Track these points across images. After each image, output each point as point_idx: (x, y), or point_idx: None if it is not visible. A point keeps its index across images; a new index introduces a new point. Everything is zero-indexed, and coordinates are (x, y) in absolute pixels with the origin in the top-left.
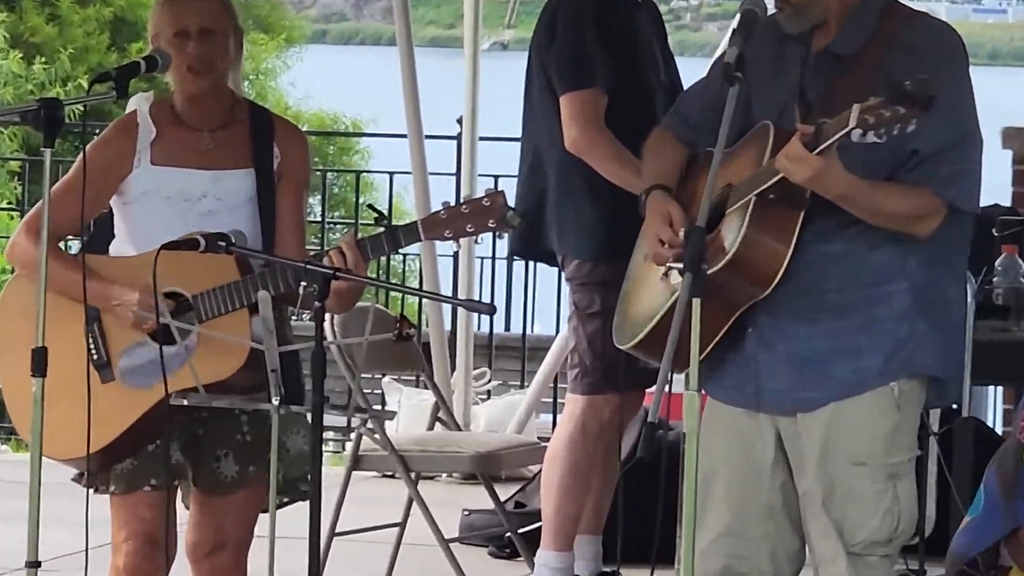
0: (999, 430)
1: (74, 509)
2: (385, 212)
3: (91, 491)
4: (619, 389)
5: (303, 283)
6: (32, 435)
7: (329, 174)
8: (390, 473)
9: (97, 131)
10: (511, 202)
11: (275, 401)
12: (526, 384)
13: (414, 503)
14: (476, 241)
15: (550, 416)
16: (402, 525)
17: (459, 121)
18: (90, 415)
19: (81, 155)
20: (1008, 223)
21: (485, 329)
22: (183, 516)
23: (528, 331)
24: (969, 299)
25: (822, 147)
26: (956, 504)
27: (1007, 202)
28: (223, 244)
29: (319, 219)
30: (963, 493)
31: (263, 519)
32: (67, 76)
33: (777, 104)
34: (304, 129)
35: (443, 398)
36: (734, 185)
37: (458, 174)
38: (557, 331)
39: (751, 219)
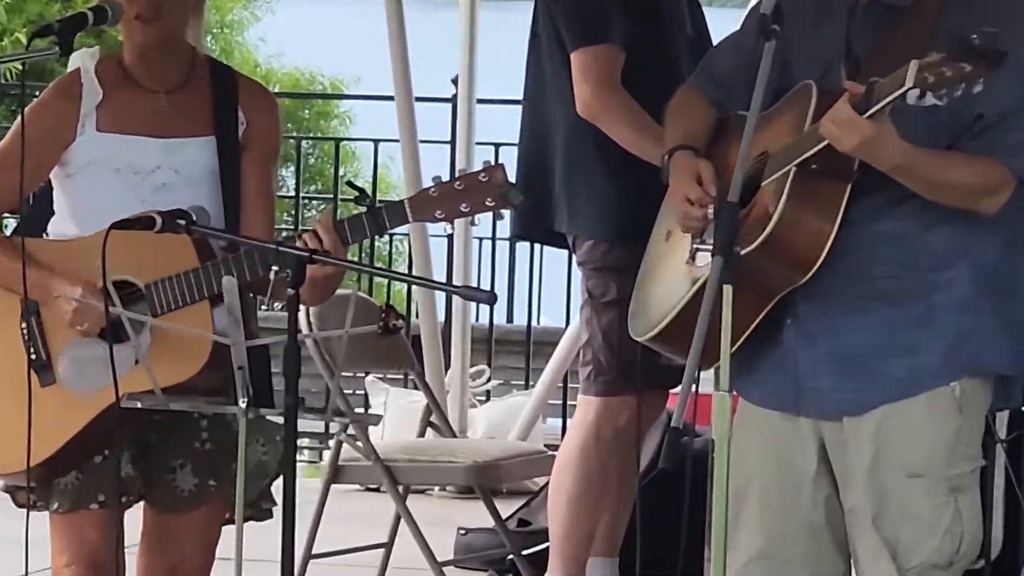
0: None
1: (10, 527)
2: (367, 189)
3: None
4: (638, 389)
5: (274, 268)
6: None
7: (304, 142)
8: (375, 486)
9: (37, 93)
10: (513, 176)
11: (242, 403)
12: (531, 384)
13: (402, 521)
14: (472, 223)
15: (559, 420)
16: (388, 546)
17: (454, 81)
18: (30, 424)
19: (18, 120)
20: None
21: (484, 320)
22: (133, 536)
23: (533, 323)
24: None
25: (874, 110)
26: None
27: None
28: (183, 223)
29: (292, 194)
30: None
31: (226, 539)
32: (2, 30)
33: (820, 61)
34: (275, 91)
35: (435, 400)
36: (771, 153)
37: (453, 142)
38: (567, 323)
39: (790, 193)
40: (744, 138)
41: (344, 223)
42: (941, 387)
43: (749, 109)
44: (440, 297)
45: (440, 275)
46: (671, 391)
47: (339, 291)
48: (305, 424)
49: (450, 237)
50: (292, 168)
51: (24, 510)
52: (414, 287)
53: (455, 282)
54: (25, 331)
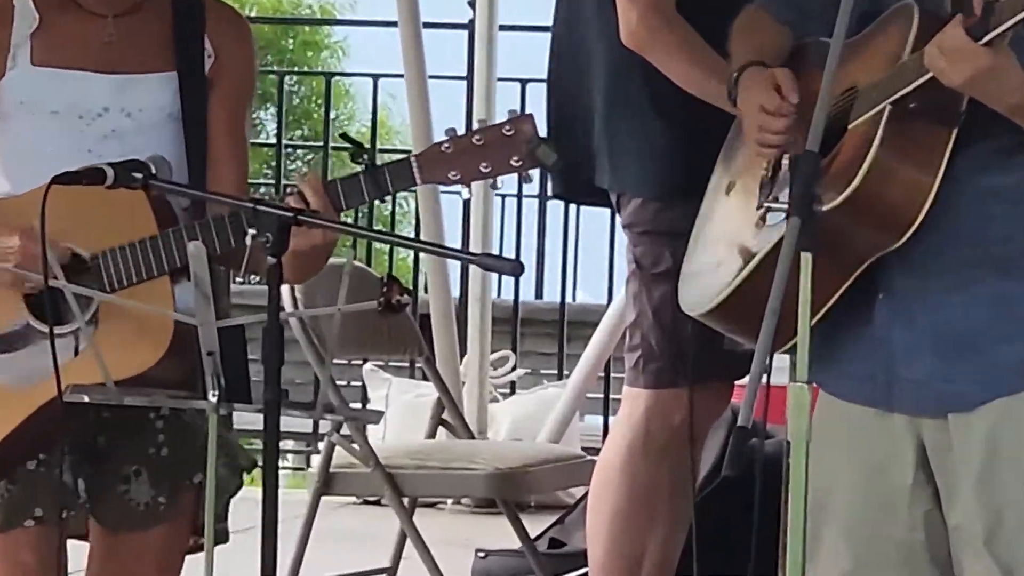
0: None
1: None
2: (365, 137)
3: None
4: (698, 380)
5: (250, 232)
6: None
7: (288, 78)
8: (374, 498)
9: None
10: (542, 120)
11: (212, 397)
12: (565, 373)
13: (408, 540)
14: (493, 186)
15: (599, 418)
16: (391, 572)
17: (471, 4)
18: None
19: None
20: None
21: (508, 296)
22: (78, 561)
23: (568, 299)
24: None
25: (992, 35)
26: None
27: None
28: (140, 176)
29: (273, 141)
30: None
31: (193, 564)
32: None
33: None
34: (252, 16)
35: (449, 393)
36: (860, 89)
37: (470, 77)
38: (609, 299)
39: (884, 137)
40: (826, 70)
41: (337, 184)
42: None
43: (831, 35)
44: (454, 267)
45: (454, 240)
46: (736, 382)
47: (331, 260)
48: (290, 422)
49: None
50: (273, 109)
51: None
52: (422, 255)
53: (472, 248)
54: None
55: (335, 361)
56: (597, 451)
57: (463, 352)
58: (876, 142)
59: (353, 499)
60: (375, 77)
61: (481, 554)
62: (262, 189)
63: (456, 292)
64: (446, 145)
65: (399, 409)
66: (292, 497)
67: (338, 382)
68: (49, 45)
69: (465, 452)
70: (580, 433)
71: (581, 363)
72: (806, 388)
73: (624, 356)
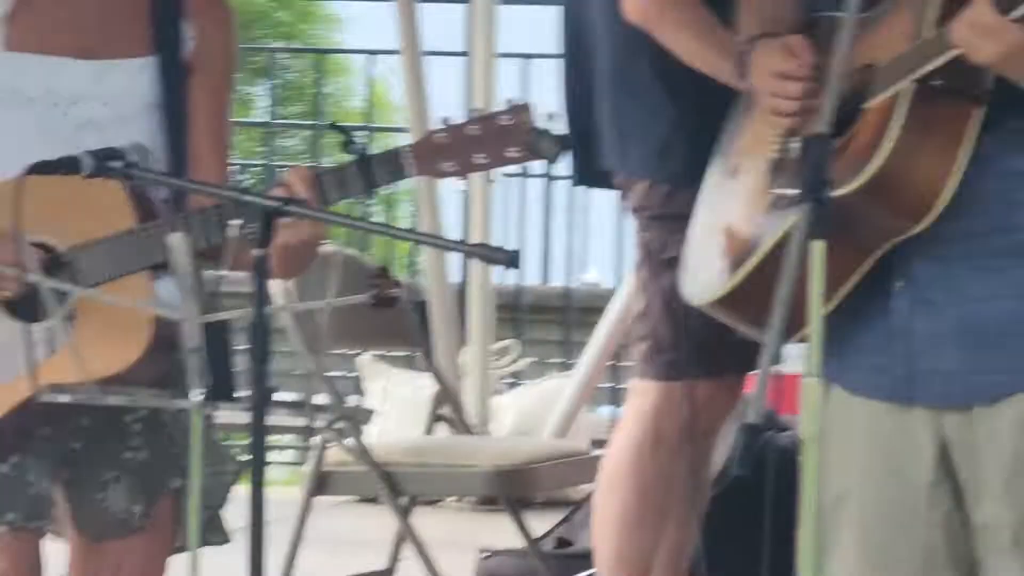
0: None
1: None
2: (360, 138)
3: None
4: (711, 372)
5: (235, 222)
6: None
7: (280, 54)
8: (371, 498)
9: None
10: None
11: (195, 396)
12: (572, 363)
13: (405, 541)
14: (489, 179)
15: (609, 409)
16: (389, 574)
17: None
18: None
19: None
20: None
21: (510, 281)
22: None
23: (574, 283)
24: None
25: (1022, 11)
26: None
27: None
28: (119, 165)
29: (264, 120)
30: None
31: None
32: None
33: None
34: None
35: (448, 385)
36: (876, 67)
37: (469, 53)
38: (616, 285)
39: (906, 117)
40: (839, 46)
41: (325, 174)
42: None
43: (843, 8)
44: (453, 254)
45: (454, 221)
46: (750, 373)
47: (322, 250)
48: (279, 420)
49: None
50: (265, 85)
51: None
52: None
53: (472, 233)
54: None
55: (330, 351)
56: (605, 445)
57: (463, 342)
58: (898, 122)
59: (349, 498)
60: (370, 54)
61: (484, 555)
62: (255, 168)
63: (456, 278)
64: (441, 135)
65: (397, 403)
66: (286, 496)
67: (333, 373)
68: (24, 29)
69: (466, 449)
70: (587, 426)
71: (588, 352)
72: (818, 383)
73: (633, 346)
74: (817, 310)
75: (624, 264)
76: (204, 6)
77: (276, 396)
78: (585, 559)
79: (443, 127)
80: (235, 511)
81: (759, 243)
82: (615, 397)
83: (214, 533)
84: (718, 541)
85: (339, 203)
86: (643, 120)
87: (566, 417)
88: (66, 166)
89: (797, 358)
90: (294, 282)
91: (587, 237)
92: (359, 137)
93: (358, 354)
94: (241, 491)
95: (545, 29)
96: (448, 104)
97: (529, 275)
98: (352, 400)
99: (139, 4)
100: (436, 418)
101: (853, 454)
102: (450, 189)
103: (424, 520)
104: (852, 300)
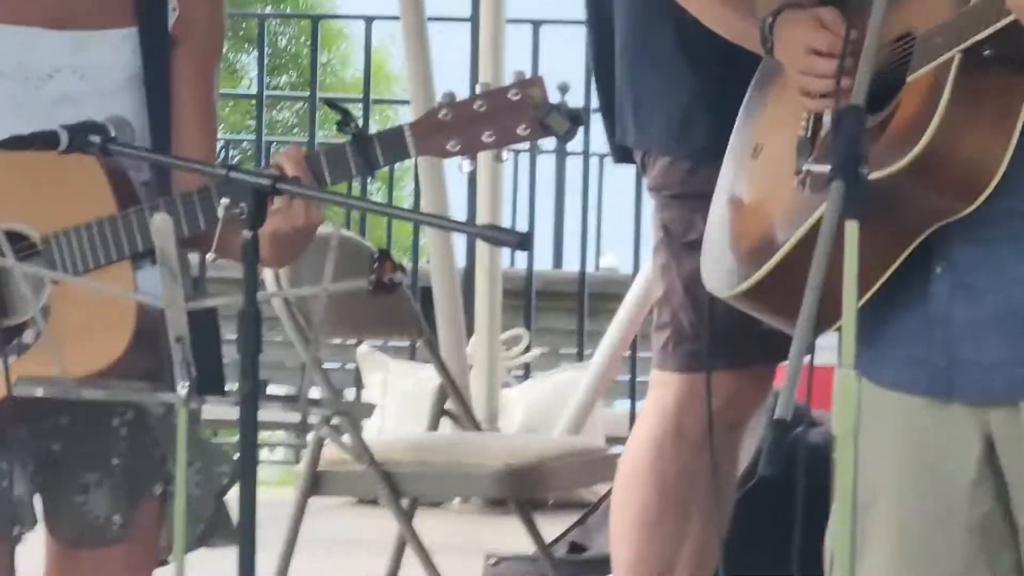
0: None
1: None
2: (358, 97)
3: None
4: (737, 363)
5: (223, 201)
6: None
7: (271, 20)
8: (370, 499)
9: None
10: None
11: (181, 389)
12: (587, 353)
13: (407, 546)
14: (497, 158)
15: (627, 403)
16: None
17: None
18: None
19: None
20: None
21: (521, 266)
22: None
23: (590, 267)
24: None
25: None
26: None
27: None
28: (98, 140)
29: (254, 91)
30: None
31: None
32: None
33: None
34: None
35: (453, 378)
36: (919, 36)
37: (475, 19)
38: (636, 270)
39: (954, 90)
40: (874, 12)
41: (320, 156)
42: None
43: None
44: (458, 236)
45: (460, 201)
46: (780, 364)
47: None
48: (271, 415)
49: None
50: (254, 53)
51: None
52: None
53: (480, 214)
54: None
55: (327, 341)
56: (623, 441)
57: (470, 331)
58: (945, 95)
59: (346, 499)
60: (368, 20)
61: (491, 560)
62: (244, 144)
63: (462, 262)
64: (444, 112)
65: (397, 397)
66: (278, 496)
67: (329, 365)
68: None
69: (472, 446)
70: (604, 422)
71: (604, 342)
72: (854, 375)
73: (652, 335)
74: (852, 296)
75: (643, 247)
76: None
77: (268, 389)
78: (601, 564)
79: (447, 103)
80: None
81: (787, 229)
82: (633, 390)
83: (220, 532)
84: (745, 543)
85: (335, 184)
86: (663, 91)
87: (580, 412)
88: (40, 141)
89: (829, 349)
90: (288, 266)
91: (603, 218)
92: (356, 115)
93: (356, 344)
94: (231, 492)
95: None
96: (453, 73)
97: (540, 259)
98: (349, 394)
99: None
100: (440, 413)
101: (886, 451)
102: (455, 168)
103: (427, 523)
104: (885, 287)
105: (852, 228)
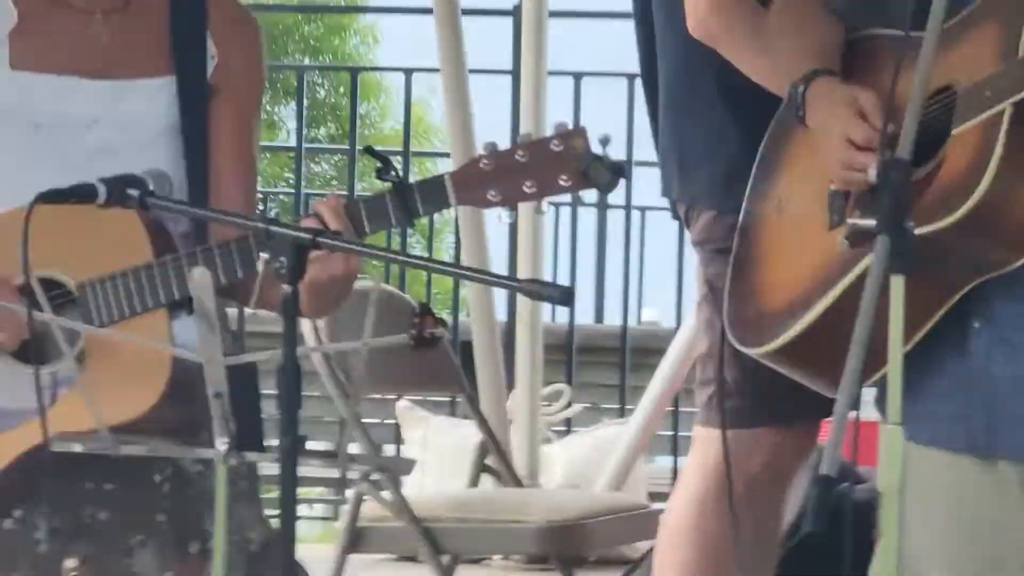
0: None
1: None
2: (398, 165)
3: None
4: (782, 419)
5: (263, 256)
6: None
7: (310, 72)
8: (410, 556)
9: None
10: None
11: (220, 445)
12: (629, 408)
13: None
14: (539, 210)
15: (669, 459)
16: None
17: None
18: None
19: None
20: None
21: (562, 319)
22: None
23: (631, 322)
24: None
25: None
26: None
27: None
28: (137, 194)
29: (292, 143)
30: None
31: None
32: None
33: None
34: (269, 3)
35: (493, 434)
36: (962, 89)
37: (516, 70)
38: (678, 323)
39: (1007, 143)
40: (920, 67)
41: (359, 205)
42: None
43: (885, 25)
44: (499, 291)
45: (501, 253)
46: (823, 420)
47: (357, 284)
48: (312, 471)
49: None
50: (293, 106)
51: None
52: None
53: (521, 268)
54: None
55: (366, 396)
56: (665, 498)
57: (510, 386)
58: (998, 149)
59: (386, 556)
60: (407, 72)
61: None
62: (281, 198)
63: (502, 316)
64: (485, 162)
65: (438, 452)
66: (318, 553)
67: (368, 420)
68: (30, 46)
69: (513, 502)
70: (646, 478)
71: (646, 397)
72: (899, 431)
73: (695, 390)
74: (897, 351)
75: (685, 301)
76: (228, 20)
77: (307, 445)
78: None
79: (489, 153)
80: None
81: (822, 286)
82: (676, 446)
83: None
84: None
85: (374, 234)
86: (707, 144)
87: (622, 468)
88: (78, 194)
89: (868, 403)
90: (326, 320)
91: (644, 271)
92: (396, 163)
93: (396, 399)
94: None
95: (598, 44)
96: (493, 125)
97: (581, 313)
98: (389, 449)
99: (157, 19)
100: (481, 469)
101: (931, 509)
102: (496, 220)
103: None
104: (923, 342)
105: (898, 283)
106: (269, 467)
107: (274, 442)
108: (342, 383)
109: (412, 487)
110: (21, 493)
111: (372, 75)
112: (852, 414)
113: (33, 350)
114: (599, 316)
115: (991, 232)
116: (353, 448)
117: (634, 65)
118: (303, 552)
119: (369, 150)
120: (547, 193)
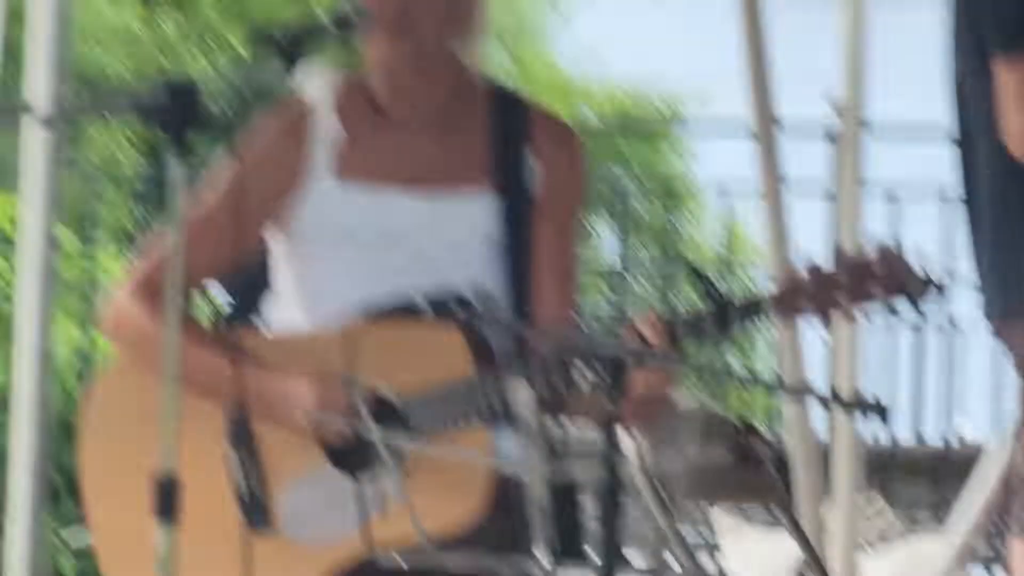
0: None
1: None
2: (711, 275)
3: None
4: None
5: (587, 375)
6: None
7: (625, 181)
8: None
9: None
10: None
11: (544, 560)
12: (943, 523)
13: None
14: (851, 319)
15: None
16: None
17: (832, 103)
18: None
19: (234, 164)
20: None
21: (877, 437)
22: None
23: (949, 439)
24: None
25: None
26: None
27: None
28: (461, 313)
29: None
30: None
31: None
32: (212, 36)
33: None
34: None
35: (812, 550)
36: None
37: (837, 185)
38: (995, 439)
39: None
40: None
41: (675, 319)
42: None
43: None
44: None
45: (817, 365)
46: None
47: (677, 395)
48: None
49: None
50: (604, 214)
51: None
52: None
53: (839, 377)
54: (236, 460)
55: (685, 513)
56: None
57: (826, 500)
58: None
59: None
60: (723, 195)
61: None
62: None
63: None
64: (804, 280)
65: (754, 564)
66: None
67: (681, 528)
68: (354, 161)
69: None
70: None
71: (963, 511)
72: None
73: (1012, 503)
74: None
75: (1002, 416)
76: (551, 137)
77: (627, 557)
78: None
79: (810, 274)
80: None
81: None
82: (991, 561)
83: None
84: None
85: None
86: (1021, 256)
87: None
88: (402, 310)
89: None
90: (647, 434)
91: (961, 388)
92: (719, 283)
93: (710, 506)
94: None
95: (920, 154)
96: (807, 239)
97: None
98: (706, 560)
99: (478, 133)
100: None
101: None
102: (812, 336)
103: None
104: None
105: None
106: None
107: (594, 555)
108: (665, 501)
109: None
110: None
111: (686, 193)
112: None
113: (349, 458)
114: (920, 437)
115: None
116: (672, 561)
117: (949, 182)
118: None
119: (693, 269)
120: (860, 306)
